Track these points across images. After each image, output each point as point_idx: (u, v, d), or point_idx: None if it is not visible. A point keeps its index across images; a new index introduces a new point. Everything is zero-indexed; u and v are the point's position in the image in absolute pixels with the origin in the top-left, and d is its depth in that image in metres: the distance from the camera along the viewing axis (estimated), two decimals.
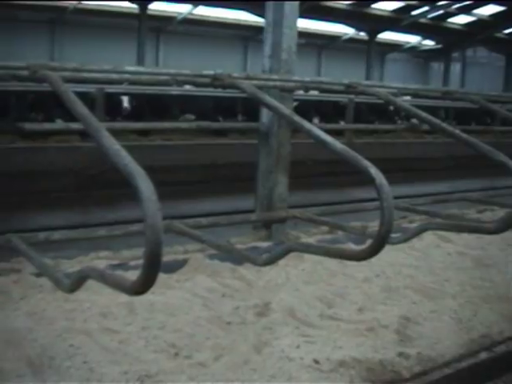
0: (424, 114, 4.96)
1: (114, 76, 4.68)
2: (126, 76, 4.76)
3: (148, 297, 4.07)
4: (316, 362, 3.55)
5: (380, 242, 3.00)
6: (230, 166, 11.90)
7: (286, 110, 4.14)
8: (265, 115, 6.01)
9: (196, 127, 5.94)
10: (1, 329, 3.76)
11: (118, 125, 5.77)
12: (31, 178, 9.42)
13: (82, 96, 3.32)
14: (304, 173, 9.83)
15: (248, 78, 5.08)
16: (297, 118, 3.90)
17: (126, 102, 17.46)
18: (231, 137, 17.06)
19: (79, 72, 4.27)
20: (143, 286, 2.46)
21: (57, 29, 31.35)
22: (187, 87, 16.42)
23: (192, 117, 18.64)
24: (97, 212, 8.53)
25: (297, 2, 6.14)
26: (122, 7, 29.85)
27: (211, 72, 4.85)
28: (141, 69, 4.94)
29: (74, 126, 5.02)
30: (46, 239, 4.67)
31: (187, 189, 10.12)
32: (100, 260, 5.13)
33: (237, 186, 9.67)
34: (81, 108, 3.07)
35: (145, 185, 2.37)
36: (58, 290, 4.11)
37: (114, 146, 2.64)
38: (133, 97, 17.66)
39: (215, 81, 4.82)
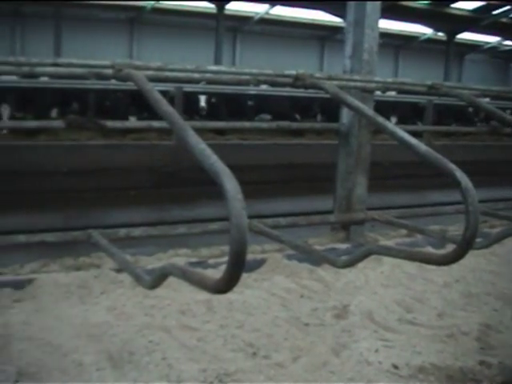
0: (510, 117, 4.86)
1: (196, 75, 4.71)
2: (208, 75, 4.78)
3: (227, 295, 4.07)
4: (395, 366, 3.50)
5: (464, 247, 2.94)
6: (307, 167, 11.85)
7: (370, 111, 4.11)
8: (345, 116, 5.95)
9: (276, 127, 5.93)
10: (82, 322, 3.83)
11: (199, 124, 5.79)
12: (109, 174, 9.57)
13: (161, 95, 3.35)
14: (381, 174, 9.73)
15: (330, 78, 5.05)
16: (380, 119, 3.86)
17: (202, 101, 17.59)
18: (308, 137, 17.01)
19: (162, 71, 4.32)
20: (227, 284, 2.47)
21: (135, 28, 31.83)
22: (263, 87, 16.46)
23: (268, 116, 18.67)
24: (174, 210, 8.61)
25: (378, 2, 6.07)
26: (199, 7, 30.08)
27: (293, 72, 4.85)
28: (223, 68, 4.95)
29: (156, 124, 5.08)
30: (126, 235, 4.73)
31: (264, 188, 10.12)
32: (179, 257, 5.17)
33: (313, 186, 9.64)
34: (166, 107, 3.10)
35: (230, 184, 2.38)
36: (137, 286, 4.17)
37: (199, 144, 2.65)
38: (210, 96, 17.77)
39: (297, 81, 4.81)
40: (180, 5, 30.18)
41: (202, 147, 2.62)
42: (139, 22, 31.48)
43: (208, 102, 17.74)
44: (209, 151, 2.58)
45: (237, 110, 18.17)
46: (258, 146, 13.73)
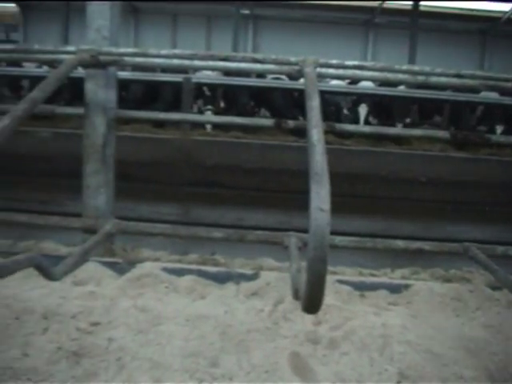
0: None
1: None
2: None
3: None
4: None
5: None
6: None
7: None
8: None
9: None
10: (458, 335, 3.84)
11: None
12: (465, 187, 9.40)
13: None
14: None
15: None
16: None
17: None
18: None
19: None
20: None
21: (487, 39, 31.13)
22: None
23: None
24: None
25: None
26: None
27: None
28: None
29: None
30: (503, 253, 4.66)
31: None
32: None
33: None
34: None
35: None
36: None
37: None
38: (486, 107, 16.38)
39: None
40: None
41: None
42: (491, 33, 30.72)
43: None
44: None
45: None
46: None
